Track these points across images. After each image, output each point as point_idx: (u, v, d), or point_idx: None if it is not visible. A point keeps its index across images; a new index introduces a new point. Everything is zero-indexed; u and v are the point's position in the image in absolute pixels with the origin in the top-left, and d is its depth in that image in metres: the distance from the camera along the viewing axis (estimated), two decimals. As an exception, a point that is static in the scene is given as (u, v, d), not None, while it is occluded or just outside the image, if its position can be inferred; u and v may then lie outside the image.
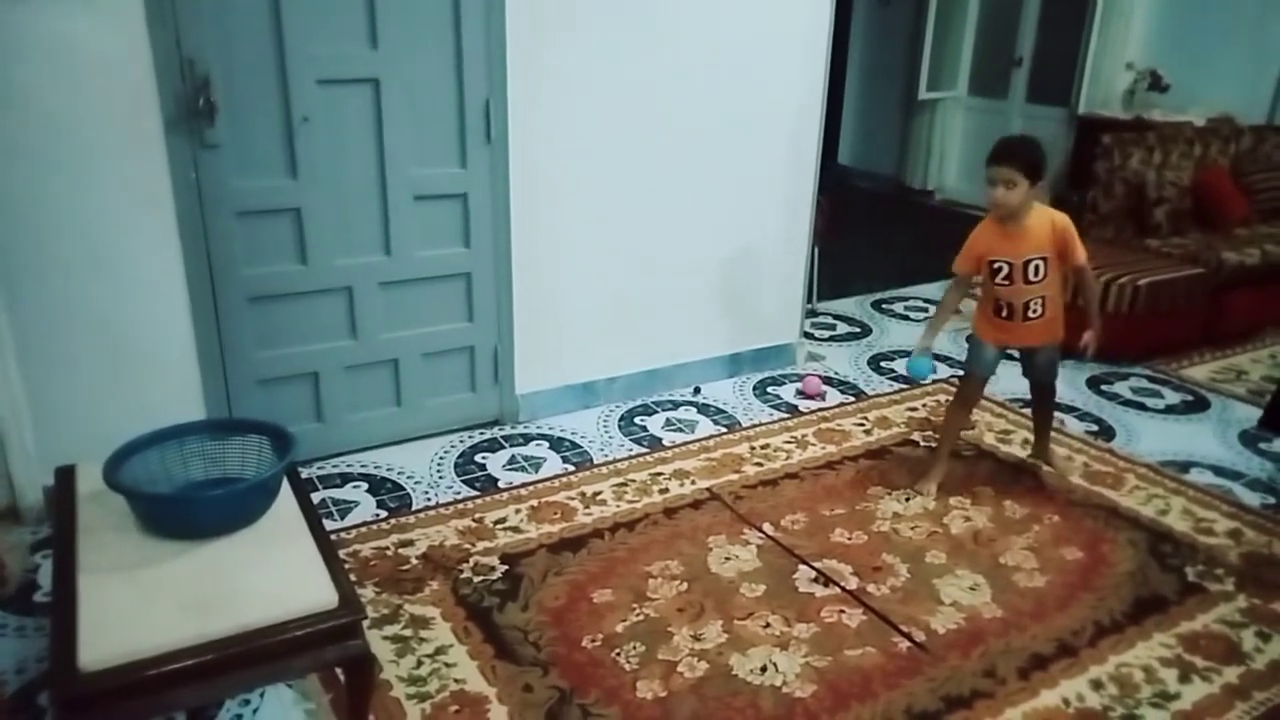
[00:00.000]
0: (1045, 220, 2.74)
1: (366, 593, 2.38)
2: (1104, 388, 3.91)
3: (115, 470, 1.82)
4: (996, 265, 2.76)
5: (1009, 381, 3.73)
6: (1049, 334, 2.88)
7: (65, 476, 2.06)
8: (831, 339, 4.42)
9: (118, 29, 2.41)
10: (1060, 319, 2.88)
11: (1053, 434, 3.22)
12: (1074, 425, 3.52)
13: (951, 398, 3.01)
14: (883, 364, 4.12)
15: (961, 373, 3.20)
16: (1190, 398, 3.85)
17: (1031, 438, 3.26)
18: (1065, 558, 2.66)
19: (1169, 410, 3.73)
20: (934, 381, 3.90)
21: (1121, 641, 2.32)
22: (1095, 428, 3.52)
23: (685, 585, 2.48)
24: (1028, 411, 3.50)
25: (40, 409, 2.57)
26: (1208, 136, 4.99)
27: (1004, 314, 2.84)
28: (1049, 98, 6.62)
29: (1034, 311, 2.80)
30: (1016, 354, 3.01)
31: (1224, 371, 4.12)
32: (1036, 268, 2.73)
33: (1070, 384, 3.87)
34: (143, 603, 1.64)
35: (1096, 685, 2.17)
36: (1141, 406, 3.74)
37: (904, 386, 3.86)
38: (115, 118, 2.47)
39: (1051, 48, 6.63)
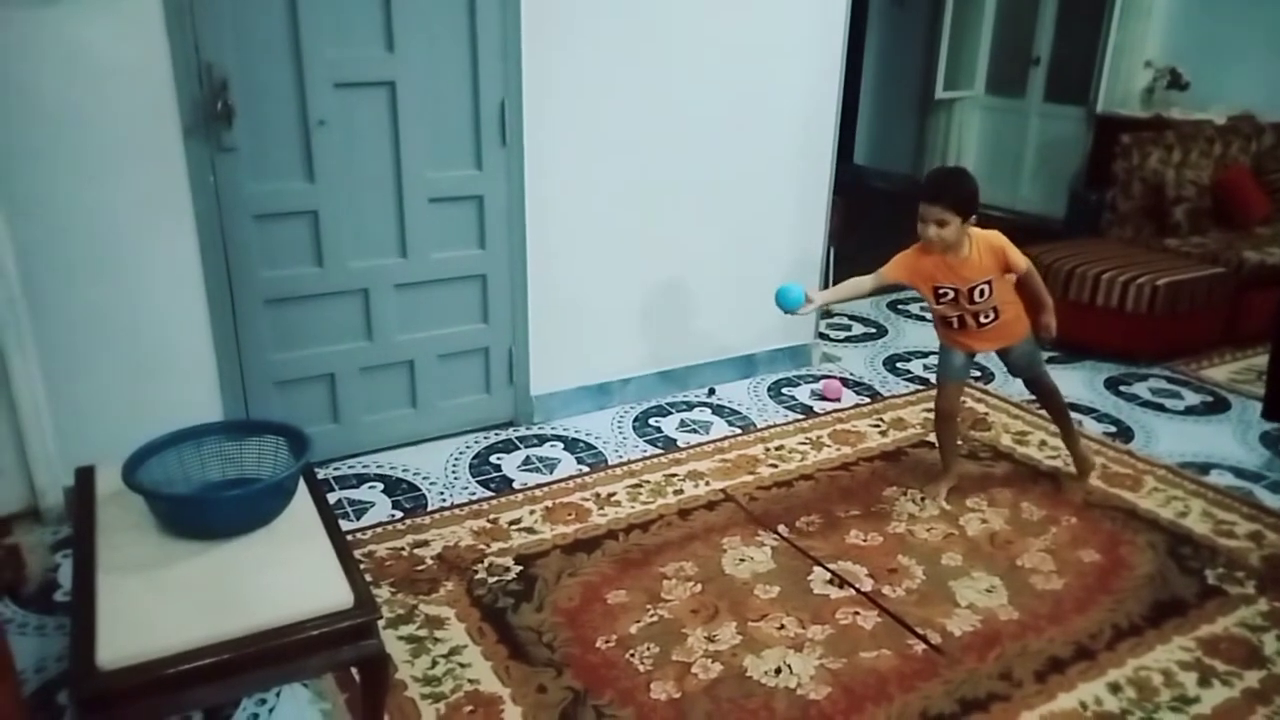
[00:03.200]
0: (983, 246, 2.70)
1: (382, 593, 2.39)
2: (1122, 388, 3.87)
3: (134, 471, 1.84)
4: (942, 290, 2.74)
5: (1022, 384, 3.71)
6: (1011, 334, 2.83)
7: (85, 477, 2.09)
8: (847, 340, 4.41)
9: (137, 34, 2.43)
10: (1021, 317, 2.83)
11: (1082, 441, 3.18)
12: (1092, 426, 3.49)
13: (937, 411, 2.97)
14: (898, 365, 4.10)
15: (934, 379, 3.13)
16: (1210, 399, 3.81)
17: (1048, 440, 3.24)
18: (1083, 560, 2.64)
19: (1188, 411, 3.69)
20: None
21: (1140, 645, 2.30)
22: (1114, 429, 3.49)
23: (699, 587, 2.47)
24: (1044, 414, 3.48)
25: (61, 410, 2.60)
26: (1228, 135, 4.94)
27: (955, 325, 2.82)
28: (1067, 97, 6.57)
29: (986, 318, 2.77)
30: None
31: (1244, 372, 4.07)
32: (982, 291, 2.71)
33: (1088, 385, 3.84)
34: (161, 602, 1.66)
35: (1115, 689, 2.15)
36: (1160, 408, 3.70)
37: (920, 388, 3.84)
38: (134, 122, 2.49)
39: (1070, 46, 6.57)
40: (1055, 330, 2.85)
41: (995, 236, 2.74)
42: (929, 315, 4.67)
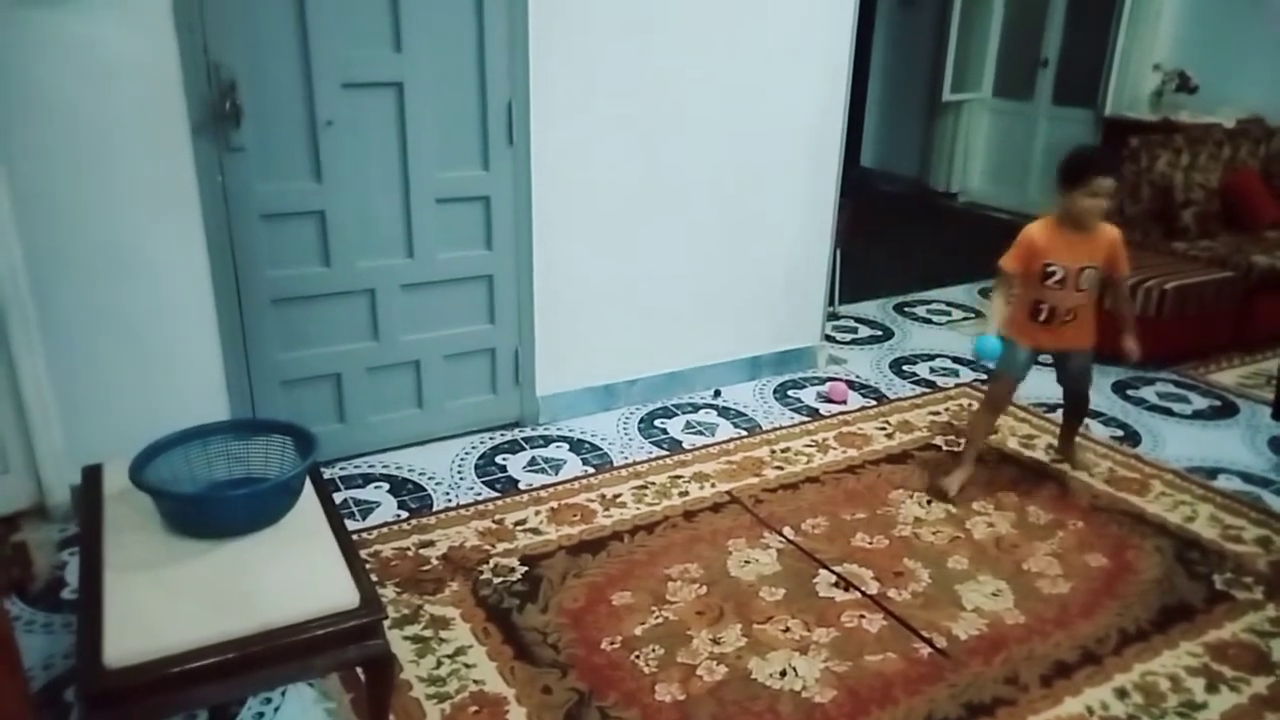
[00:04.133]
0: (1105, 233, 2.79)
1: (387, 593, 2.39)
2: (1130, 392, 3.86)
3: (141, 469, 1.84)
4: (1051, 269, 2.76)
5: (1035, 386, 3.70)
6: (1083, 338, 2.88)
7: (92, 475, 2.09)
8: (853, 342, 4.40)
9: (145, 33, 2.44)
10: (1094, 325, 2.88)
11: (1079, 439, 3.19)
12: (1099, 430, 3.48)
13: (980, 400, 2.99)
14: (904, 368, 4.09)
15: (987, 376, 3.17)
16: (1218, 403, 3.79)
17: (1055, 444, 3.24)
18: (1090, 564, 2.63)
19: (1196, 415, 3.67)
20: (956, 386, 3.87)
21: (1147, 650, 2.29)
22: (1121, 433, 3.47)
23: (704, 588, 2.47)
24: (1052, 416, 3.47)
25: (68, 409, 2.61)
26: (1237, 138, 4.93)
27: (1041, 317, 2.83)
28: (1075, 99, 6.55)
29: (1069, 316, 2.81)
30: (1050, 360, 2.99)
31: (1253, 376, 4.05)
32: (1089, 276, 2.76)
33: (1096, 389, 3.80)
34: (167, 601, 1.66)
35: (1121, 694, 2.14)
36: (1168, 412, 3.69)
37: (926, 390, 3.83)
38: (143, 121, 2.50)
39: (1078, 49, 6.56)
40: (1138, 353, 2.88)
41: (1115, 230, 2.81)
42: (946, 318, 4.71)
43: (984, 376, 3.93)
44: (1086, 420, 3.42)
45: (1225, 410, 3.72)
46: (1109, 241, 2.79)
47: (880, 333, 4.55)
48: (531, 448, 3.24)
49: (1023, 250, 2.81)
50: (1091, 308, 2.85)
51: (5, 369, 2.52)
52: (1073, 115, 6.54)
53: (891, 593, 2.47)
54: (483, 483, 2.99)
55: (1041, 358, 2.98)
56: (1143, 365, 4.00)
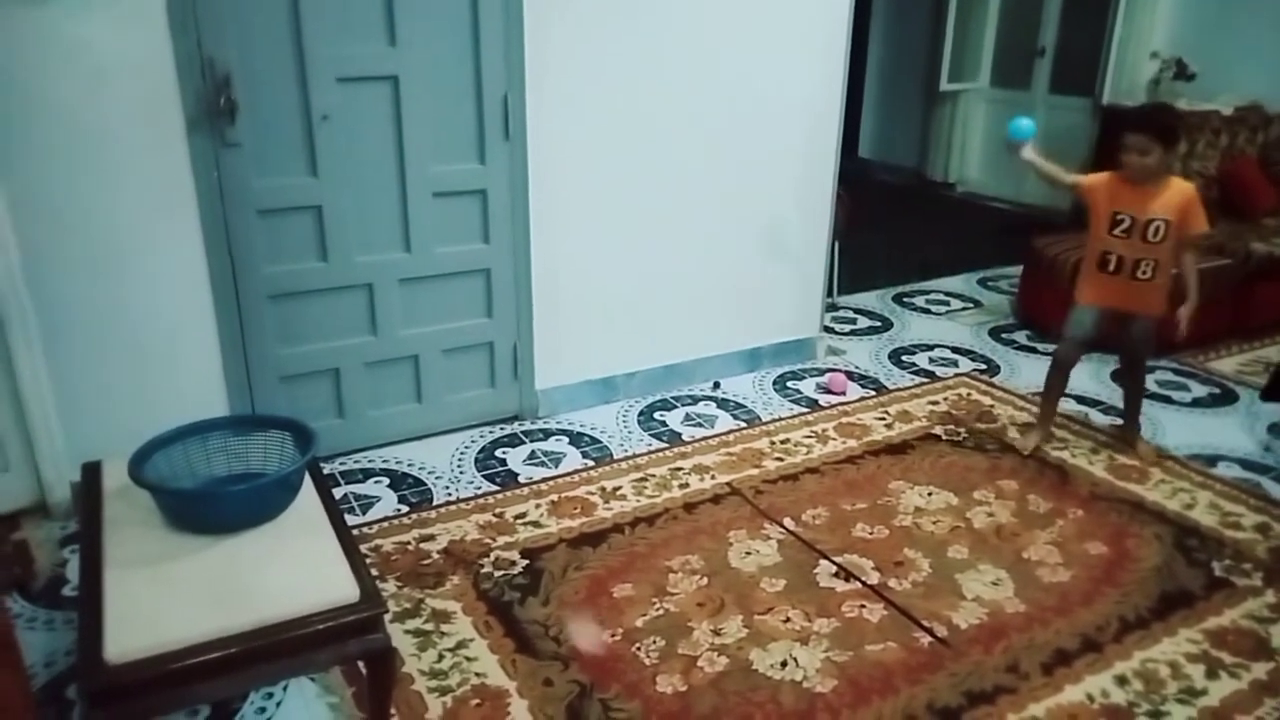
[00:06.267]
0: (1177, 188, 2.82)
1: (388, 587, 2.39)
2: (1129, 381, 3.86)
3: (140, 466, 1.84)
4: (1119, 216, 2.82)
5: (1032, 374, 3.70)
6: (1152, 301, 2.91)
7: (91, 472, 2.09)
8: (852, 333, 4.40)
9: (140, 30, 2.43)
10: (1165, 292, 2.91)
11: (1079, 425, 3.20)
12: (1099, 418, 3.48)
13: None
14: (904, 358, 4.09)
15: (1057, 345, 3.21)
16: (1217, 390, 3.79)
17: (1055, 431, 3.24)
18: (1089, 552, 2.63)
19: (1195, 403, 3.68)
20: (955, 376, 3.87)
21: (1147, 637, 2.29)
22: (1120, 421, 3.47)
23: (705, 580, 2.47)
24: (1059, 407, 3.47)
25: (67, 406, 2.61)
26: (1235, 125, 4.92)
27: (1111, 268, 2.86)
28: (1072, 88, 6.53)
29: (1144, 272, 2.84)
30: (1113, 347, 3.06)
31: (1252, 364, 4.06)
32: (1158, 229, 2.79)
33: (1094, 377, 3.83)
34: (168, 596, 1.66)
35: (1121, 681, 2.15)
36: (1168, 400, 3.69)
37: (925, 380, 3.83)
38: (138, 118, 2.49)
39: (1075, 37, 6.54)
40: (1187, 329, 2.89)
41: (1190, 188, 2.84)
42: (945, 307, 4.71)
43: (984, 366, 3.94)
44: (1085, 409, 3.42)
45: (1224, 398, 3.73)
46: (1181, 195, 2.81)
47: (879, 323, 4.55)
48: (531, 441, 3.24)
49: (1097, 183, 2.88)
50: (1165, 270, 2.86)
51: (4, 367, 2.52)
52: (1070, 104, 6.52)
53: (892, 582, 2.47)
54: (483, 476, 2.99)
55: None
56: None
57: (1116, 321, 3.00)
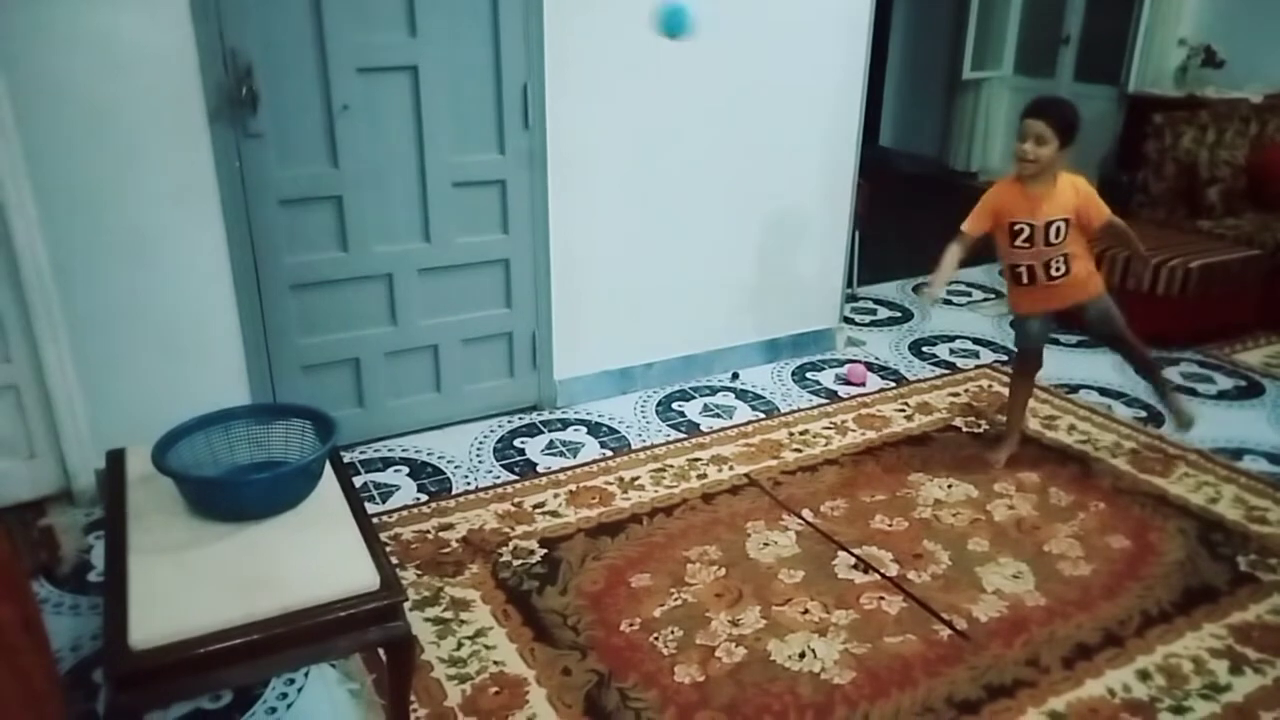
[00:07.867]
0: (1067, 184, 2.72)
1: (408, 575, 2.41)
2: (1153, 373, 3.81)
3: (164, 454, 1.86)
4: (1017, 227, 2.73)
5: (1055, 368, 3.66)
6: (1084, 291, 2.83)
7: (116, 460, 2.11)
8: (872, 324, 4.37)
9: (162, 21, 2.44)
10: (1094, 274, 2.85)
11: (1101, 418, 3.16)
12: (1122, 411, 3.44)
13: (1010, 373, 3.00)
14: (924, 349, 4.07)
15: (1013, 353, 3.16)
16: (1244, 383, 3.74)
17: (1077, 424, 3.20)
18: (1112, 546, 2.61)
19: (1221, 396, 3.63)
20: (975, 367, 3.84)
21: (1170, 632, 2.27)
22: (1144, 413, 3.44)
23: (723, 571, 2.47)
24: (1075, 398, 3.45)
25: (92, 394, 2.64)
26: (1264, 113, 4.83)
27: (1025, 279, 2.79)
28: (1098, 76, 6.44)
29: (1057, 270, 2.75)
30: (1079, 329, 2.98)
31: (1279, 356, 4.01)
32: (1058, 230, 2.70)
33: (1118, 369, 3.78)
34: (191, 583, 1.68)
35: (1144, 676, 2.13)
36: (1193, 392, 3.64)
37: (946, 372, 3.80)
38: (161, 108, 2.51)
39: (1100, 25, 6.44)
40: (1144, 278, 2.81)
41: (1081, 180, 2.76)
42: (966, 298, 4.67)
43: (1005, 358, 3.90)
44: (1108, 402, 3.38)
45: (1251, 390, 3.68)
46: (1078, 192, 2.71)
47: (899, 314, 4.52)
48: (549, 431, 3.24)
49: (984, 210, 2.78)
50: (1082, 259, 2.78)
51: (30, 357, 2.55)
52: (1096, 93, 6.43)
53: (911, 575, 2.46)
54: (501, 466, 3.00)
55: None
56: (1167, 345, 3.97)
57: (1070, 315, 2.92)
